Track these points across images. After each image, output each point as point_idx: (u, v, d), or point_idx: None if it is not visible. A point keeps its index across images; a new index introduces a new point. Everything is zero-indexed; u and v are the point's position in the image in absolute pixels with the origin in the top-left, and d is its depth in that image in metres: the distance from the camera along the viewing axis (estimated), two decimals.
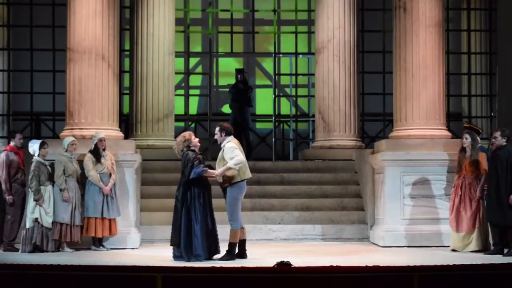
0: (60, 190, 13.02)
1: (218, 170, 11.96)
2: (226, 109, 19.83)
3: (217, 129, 12.19)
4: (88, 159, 13.28)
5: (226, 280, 9.07)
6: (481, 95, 20.36)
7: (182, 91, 20.09)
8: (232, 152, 11.90)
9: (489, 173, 12.69)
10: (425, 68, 14.19)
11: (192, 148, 12.07)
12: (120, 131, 14.51)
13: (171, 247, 12.02)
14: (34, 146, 13.16)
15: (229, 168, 11.87)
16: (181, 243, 11.81)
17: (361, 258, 11.71)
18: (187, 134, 12.26)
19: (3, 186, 13.24)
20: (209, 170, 11.98)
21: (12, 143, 13.63)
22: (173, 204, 15.22)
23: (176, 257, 11.88)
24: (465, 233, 12.94)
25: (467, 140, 13.12)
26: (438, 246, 13.57)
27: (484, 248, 12.77)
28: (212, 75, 20.65)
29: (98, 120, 14.00)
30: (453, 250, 12.99)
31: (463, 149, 13.19)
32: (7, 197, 13.18)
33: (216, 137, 12.23)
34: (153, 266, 10.05)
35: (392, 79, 14.75)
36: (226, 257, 11.84)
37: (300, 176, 16.24)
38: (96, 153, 13.35)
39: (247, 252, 12.16)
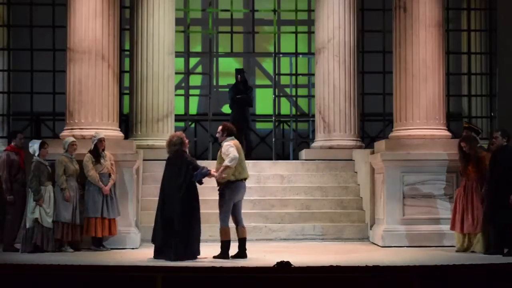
0: (61, 189, 13.03)
1: (218, 172, 11.99)
2: (226, 109, 19.82)
3: (220, 128, 12.32)
4: (88, 159, 13.29)
5: (226, 280, 9.08)
6: (481, 95, 20.34)
7: (182, 91, 20.08)
8: (227, 150, 12.01)
9: (490, 173, 12.68)
10: (425, 68, 14.19)
11: (184, 149, 12.14)
12: (120, 131, 14.51)
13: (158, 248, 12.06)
14: (34, 146, 13.16)
15: (227, 167, 11.90)
16: (178, 243, 11.82)
17: (361, 258, 11.71)
18: (183, 135, 12.30)
19: (4, 186, 13.23)
20: (211, 170, 12.05)
21: (13, 143, 13.63)
22: None
23: (174, 257, 11.85)
24: (469, 234, 12.92)
25: (465, 146, 13.10)
26: (438, 246, 13.57)
27: (487, 249, 12.73)
28: (212, 75, 20.65)
29: (98, 120, 14.00)
30: (458, 251, 12.96)
31: (464, 153, 13.14)
32: (7, 197, 13.17)
33: (217, 135, 12.38)
34: (153, 266, 10.06)
35: (392, 79, 14.75)
36: (219, 257, 11.95)
37: (300, 176, 16.24)
38: (96, 153, 13.36)
39: (247, 252, 12.17)
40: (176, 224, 11.86)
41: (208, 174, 11.97)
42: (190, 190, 11.96)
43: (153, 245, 12.12)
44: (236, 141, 12.23)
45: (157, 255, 12.04)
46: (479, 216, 12.81)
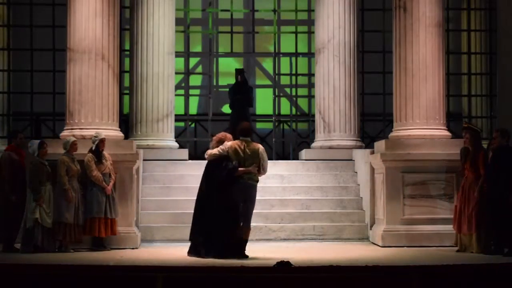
0: (64, 190, 12.98)
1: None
2: (226, 109, 19.83)
3: None
4: (91, 160, 13.26)
5: (226, 280, 9.08)
6: (481, 95, 20.35)
7: (182, 91, 20.08)
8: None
9: (490, 173, 12.67)
10: (425, 68, 14.19)
11: None
12: (120, 131, 14.50)
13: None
14: (33, 146, 13.15)
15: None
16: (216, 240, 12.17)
17: (361, 258, 11.72)
18: (227, 135, 12.76)
19: (7, 186, 13.19)
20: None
21: (13, 143, 13.60)
22: (173, 204, 15.31)
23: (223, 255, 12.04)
24: (467, 234, 12.90)
25: (467, 139, 13.09)
26: (438, 246, 13.57)
27: (485, 249, 12.71)
28: (212, 75, 20.65)
29: (98, 120, 14.00)
30: (458, 251, 12.96)
31: (465, 149, 13.13)
32: (12, 197, 13.13)
33: None
34: (153, 266, 10.06)
35: (392, 79, 14.75)
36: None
37: (300, 176, 16.24)
38: (97, 154, 13.34)
39: (248, 252, 12.21)
40: (214, 221, 12.10)
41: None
42: (228, 187, 12.15)
43: (152, 245, 12.13)
44: (232, 143, 12.39)
45: (193, 252, 12.27)
46: (474, 216, 12.78)
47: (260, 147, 12.47)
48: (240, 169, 12.13)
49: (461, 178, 13.19)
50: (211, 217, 12.12)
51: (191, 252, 12.28)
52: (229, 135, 12.69)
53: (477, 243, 12.73)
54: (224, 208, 12.13)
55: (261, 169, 12.35)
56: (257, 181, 12.38)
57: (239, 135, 12.48)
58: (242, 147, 12.26)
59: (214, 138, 12.69)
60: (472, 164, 12.90)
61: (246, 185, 12.21)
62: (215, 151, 12.35)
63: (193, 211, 12.60)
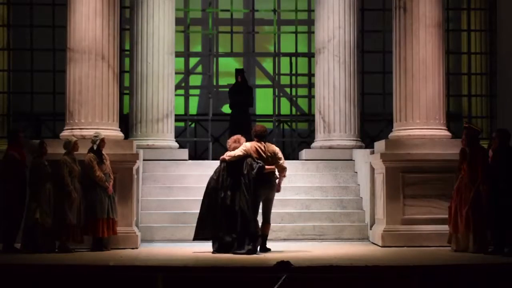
0: (67, 191, 12.94)
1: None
2: (226, 109, 19.84)
3: None
4: (93, 160, 13.22)
5: (226, 280, 9.09)
6: (481, 95, 20.35)
7: (182, 91, 20.07)
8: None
9: (490, 174, 12.66)
10: (425, 68, 14.19)
11: None
12: (120, 131, 14.50)
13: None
14: (33, 146, 13.13)
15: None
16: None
17: (361, 258, 11.71)
18: (241, 138, 13.10)
19: (8, 186, 13.17)
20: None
21: (16, 143, 13.56)
22: (173, 204, 15.31)
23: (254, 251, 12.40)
24: (464, 234, 12.89)
25: (463, 139, 13.09)
26: (438, 246, 13.56)
27: (482, 249, 12.70)
28: (212, 75, 20.64)
29: (98, 120, 13.99)
30: (456, 251, 12.96)
31: (463, 150, 13.14)
32: (13, 197, 13.11)
33: None
34: (153, 266, 10.07)
35: (392, 79, 14.75)
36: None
37: (300, 176, 16.24)
38: (99, 154, 13.32)
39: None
40: (247, 218, 12.42)
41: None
42: (257, 185, 12.51)
43: (152, 245, 12.13)
44: (250, 144, 12.77)
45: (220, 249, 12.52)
46: (471, 216, 12.75)
47: (276, 147, 12.98)
48: (267, 167, 12.56)
49: (457, 178, 13.16)
50: (240, 214, 12.39)
51: (220, 249, 12.48)
52: (242, 138, 13.02)
53: (473, 243, 12.73)
54: (253, 205, 12.48)
55: (283, 168, 12.85)
56: (276, 179, 12.86)
57: (255, 136, 12.82)
58: (263, 148, 12.72)
59: (230, 140, 13.03)
60: (469, 164, 12.87)
61: (271, 184, 12.71)
62: (238, 152, 12.63)
63: (200, 211, 12.80)
